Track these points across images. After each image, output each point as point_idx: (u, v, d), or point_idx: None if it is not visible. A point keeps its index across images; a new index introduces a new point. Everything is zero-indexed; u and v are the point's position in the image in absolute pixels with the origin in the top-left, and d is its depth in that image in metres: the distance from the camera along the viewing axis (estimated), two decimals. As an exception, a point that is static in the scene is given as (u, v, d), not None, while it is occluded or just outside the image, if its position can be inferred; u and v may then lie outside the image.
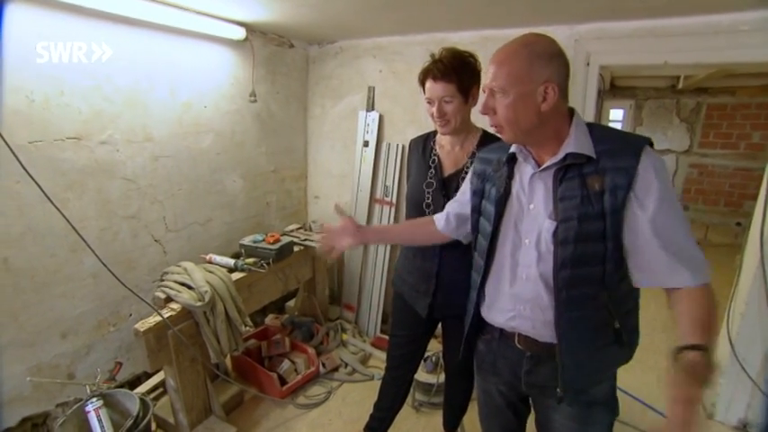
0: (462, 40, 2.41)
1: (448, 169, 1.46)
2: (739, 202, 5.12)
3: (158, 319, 1.73)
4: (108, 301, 2.02)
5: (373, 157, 2.77)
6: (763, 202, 1.97)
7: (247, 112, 2.61)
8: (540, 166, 1.02)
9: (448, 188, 1.44)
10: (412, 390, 2.22)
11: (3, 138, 1.44)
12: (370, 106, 2.78)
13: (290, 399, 2.30)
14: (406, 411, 2.19)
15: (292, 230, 2.72)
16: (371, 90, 2.77)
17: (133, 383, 2.20)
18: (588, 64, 2.21)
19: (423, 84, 1.42)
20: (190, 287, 1.88)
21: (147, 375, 2.24)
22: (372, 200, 2.83)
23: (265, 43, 2.65)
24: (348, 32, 2.67)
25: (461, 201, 1.27)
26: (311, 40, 2.91)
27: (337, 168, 3.01)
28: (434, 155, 1.49)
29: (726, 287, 2.19)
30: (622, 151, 0.94)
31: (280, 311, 3.06)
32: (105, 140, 1.91)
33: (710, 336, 0.87)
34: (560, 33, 2.21)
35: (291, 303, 3.05)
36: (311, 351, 2.43)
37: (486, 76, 1.00)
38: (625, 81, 5.45)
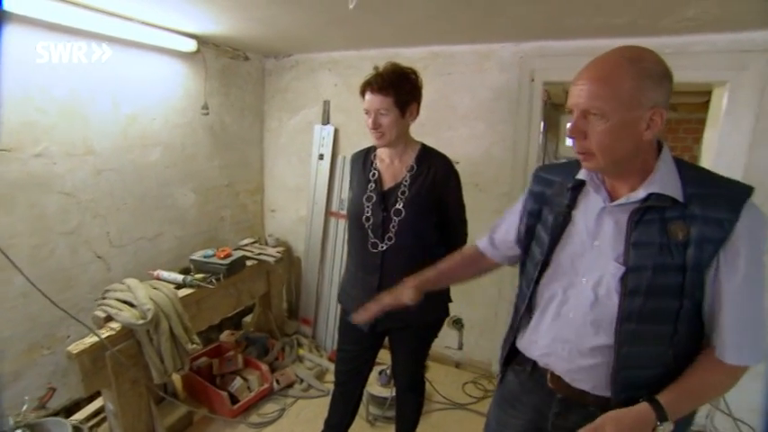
0: (414, 55, 2.46)
1: (387, 183, 1.48)
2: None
3: (95, 339, 1.65)
4: (41, 323, 1.92)
5: (329, 170, 2.78)
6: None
7: (199, 125, 2.57)
8: (612, 199, 0.90)
9: (387, 201, 1.46)
10: (366, 403, 2.21)
11: None
12: (326, 120, 2.79)
13: (242, 418, 2.23)
14: (360, 426, 2.18)
15: (246, 245, 2.67)
16: (327, 104, 2.79)
17: (71, 410, 2.08)
18: (533, 80, 2.31)
19: (363, 95, 1.45)
20: (132, 305, 1.81)
21: (90, 400, 2.12)
22: (328, 213, 2.83)
23: (219, 55, 2.63)
24: (303, 46, 2.68)
25: (507, 225, 1.15)
26: (267, 52, 2.90)
27: (293, 182, 2.99)
28: (374, 169, 1.51)
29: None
30: (719, 199, 0.81)
31: (236, 327, 2.98)
32: (40, 153, 1.83)
33: (682, 411, 0.85)
34: (506, 51, 2.30)
35: (248, 319, 2.98)
36: (264, 368, 2.38)
37: (576, 92, 0.84)
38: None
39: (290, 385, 2.47)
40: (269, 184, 3.11)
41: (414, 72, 1.49)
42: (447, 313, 1.61)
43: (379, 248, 1.46)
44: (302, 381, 2.53)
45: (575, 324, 0.93)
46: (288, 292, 3.03)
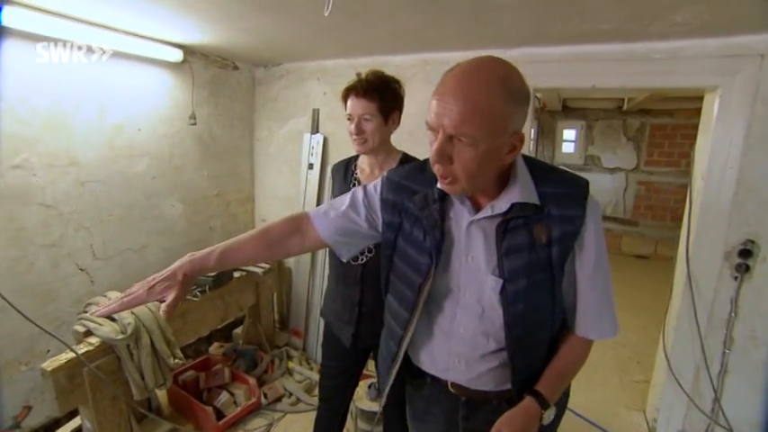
0: (403, 62, 2.44)
1: None
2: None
3: (71, 355, 1.60)
4: (19, 338, 1.87)
5: (318, 179, 2.74)
6: (687, 218, 2.05)
7: (187, 135, 2.54)
8: (476, 209, 0.91)
9: None
10: (354, 418, 2.15)
11: None
12: (315, 128, 2.77)
13: (229, 433, 2.18)
14: (348, 442, 2.12)
15: (235, 255, 2.63)
16: (316, 112, 2.76)
17: (50, 428, 2.03)
18: (523, 87, 2.27)
19: (345, 100, 1.42)
20: (113, 319, 1.77)
21: (70, 416, 2.07)
22: (319, 222, 2.79)
23: (207, 65, 2.61)
24: (292, 55, 2.66)
25: (351, 216, 1.03)
26: (257, 62, 2.89)
27: (284, 191, 2.96)
28: (355, 179, 1.48)
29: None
30: (569, 198, 0.88)
31: (227, 339, 2.93)
32: (19, 164, 1.80)
33: (558, 393, 0.93)
34: (495, 58, 2.27)
35: (239, 331, 2.93)
36: (252, 381, 2.33)
37: (443, 110, 0.78)
38: (576, 102, 5.68)
39: (279, 399, 2.42)
40: (259, 194, 3.08)
41: (396, 81, 1.46)
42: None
43: (359, 261, 1.42)
44: (291, 394, 2.47)
45: (467, 338, 0.96)
46: (279, 304, 2.98)
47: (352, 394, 1.72)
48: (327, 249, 2.55)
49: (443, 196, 0.92)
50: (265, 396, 2.35)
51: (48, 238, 1.93)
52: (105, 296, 1.92)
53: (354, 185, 1.46)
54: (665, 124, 5.34)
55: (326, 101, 2.71)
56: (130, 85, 2.20)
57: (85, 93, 2.00)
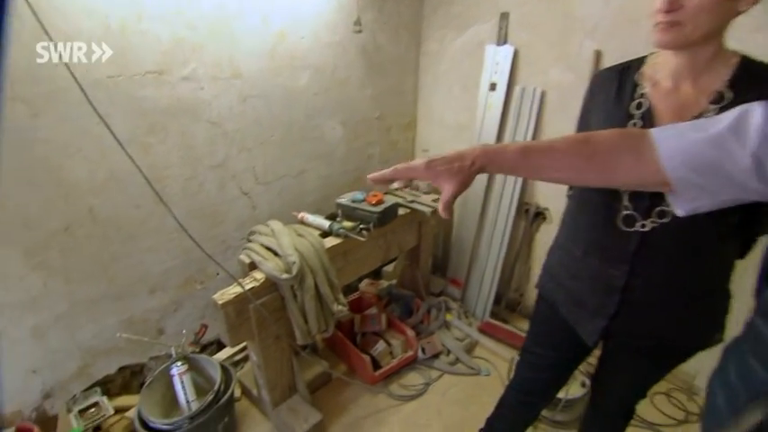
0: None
1: (665, 120, 0.85)
2: None
3: (239, 290, 1.47)
4: (194, 258, 1.85)
5: (502, 104, 2.18)
6: None
7: (351, 45, 2.17)
8: None
9: None
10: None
11: (74, 76, 1.19)
12: (502, 39, 2.15)
13: (382, 385, 2.00)
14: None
15: (397, 189, 2.31)
16: (505, 17, 2.13)
17: (221, 343, 2.08)
18: None
19: None
20: (277, 253, 1.59)
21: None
22: (495, 157, 2.28)
23: (375, -44, 2.14)
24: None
25: (727, 146, 0.58)
26: (431, -49, 2.31)
27: (453, 117, 2.47)
28: (641, 96, 0.88)
29: None
30: None
31: (375, 276, 2.74)
32: (188, 76, 1.63)
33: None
34: None
35: (390, 268, 2.71)
36: (410, 333, 2.08)
37: None
38: None
39: (436, 355, 2.15)
40: (423, 119, 2.65)
41: None
42: (722, 334, 0.99)
43: (637, 227, 0.88)
44: (449, 352, 2.19)
45: None
46: (434, 246, 2.65)
47: (555, 395, 1.30)
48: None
49: None
50: (423, 351, 2.10)
51: (214, 159, 1.81)
52: (267, 225, 1.76)
53: (638, 106, 0.87)
54: None
55: (521, 1, 2.05)
56: (295, -17, 1.86)
57: (250, -7, 1.72)
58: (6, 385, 1.54)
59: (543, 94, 2.07)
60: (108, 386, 1.82)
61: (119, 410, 1.78)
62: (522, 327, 2.34)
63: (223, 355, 1.99)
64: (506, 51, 2.14)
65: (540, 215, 2.27)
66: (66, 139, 1.44)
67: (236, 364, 2.03)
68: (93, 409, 1.71)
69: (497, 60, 2.18)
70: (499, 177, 2.28)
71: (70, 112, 1.42)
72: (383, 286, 2.55)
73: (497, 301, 2.44)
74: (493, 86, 2.21)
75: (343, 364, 2.11)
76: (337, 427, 1.82)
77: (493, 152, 0.71)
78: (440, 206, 0.74)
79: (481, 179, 2.31)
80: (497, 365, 2.13)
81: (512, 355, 2.13)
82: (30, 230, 1.45)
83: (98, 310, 1.68)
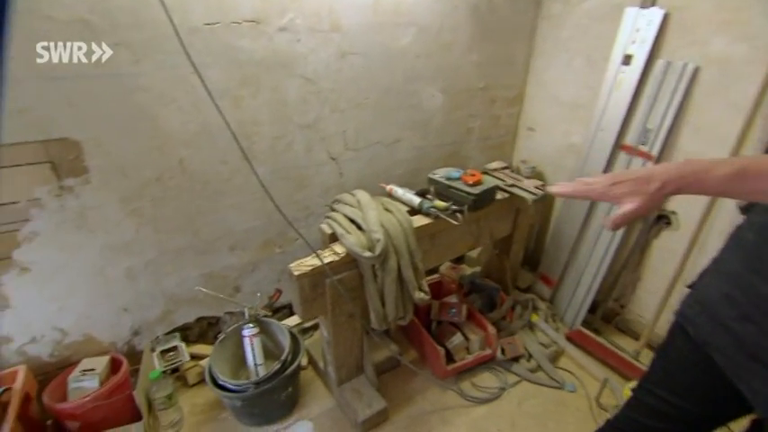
0: None
1: None
2: None
3: (317, 261, 1.37)
4: (276, 221, 1.80)
5: (636, 82, 1.81)
6: None
7: (461, 2, 1.91)
8: None
9: None
10: None
11: (171, 21, 1.12)
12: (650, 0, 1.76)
13: (453, 381, 1.85)
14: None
15: (495, 169, 2.06)
16: (659, -31, 1.73)
17: (293, 309, 2.05)
18: None
19: None
20: (360, 227, 1.47)
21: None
22: (618, 146, 1.92)
23: None
24: None
25: None
26: None
27: (570, 93, 2.13)
28: None
29: None
30: None
31: (457, 260, 2.55)
32: (285, 26, 1.51)
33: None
34: None
35: (473, 254, 2.50)
36: (491, 330, 1.88)
37: None
38: None
39: (516, 359, 1.94)
40: (533, 94, 2.32)
41: None
42: None
43: None
44: (530, 357, 1.96)
45: None
46: (528, 237, 2.38)
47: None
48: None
49: None
50: (503, 351, 1.90)
51: (305, 118, 1.70)
52: (353, 194, 1.64)
53: None
54: None
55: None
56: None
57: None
58: (103, 319, 1.63)
59: (696, 71, 1.67)
60: (186, 333, 1.88)
61: (194, 357, 1.83)
62: (617, 341, 2.03)
63: (293, 321, 1.96)
64: (653, 15, 1.74)
65: (662, 219, 1.90)
66: (163, 88, 1.40)
67: (305, 330, 2.00)
68: (172, 353, 1.77)
69: (638, 27, 1.79)
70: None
71: (168, 60, 1.38)
72: (465, 273, 2.36)
73: (592, 309, 2.14)
74: (627, 59, 1.84)
75: (413, 350, 1.99)
76: (400, 417, 1.72)
77: (692, 175, 0.62)
78: (610, 219, 0.67)
79: (598, 167, 1.98)
80: (584, 382, 1.87)
81: (604, 373, 1.85)
82: (126, 178, 1.46)
83: (182, 261, 1.70)
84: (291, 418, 1.70)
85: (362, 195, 1.59)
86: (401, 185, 1.75)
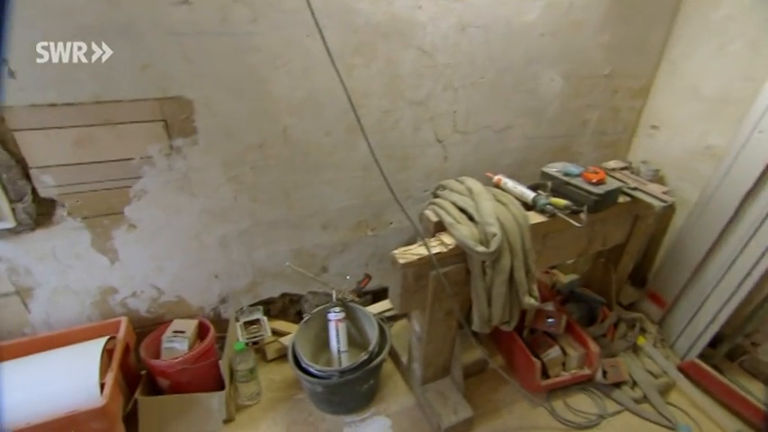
0: None
1: None
2: None
3: (423, 252, 1.25)
4: (372, 202, 1.71)
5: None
6: None
7: (601, -26, 1.68)
8: None
9: None
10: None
11: None
12: None
13: (545, 397, 1.67)
14: None
15: (614, 169, 1.82)
16: None
17: (377, 294, 1.96)
18: None
19: None
20: (473, 218, 1.32)
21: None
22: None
23: None
24: None
25: None
26: None
27: (716, 86, 1.81)
28: None
29: None
30: None
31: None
32: (414, -10, 1.38)
33: None
34: None
35: (572, 260, 2.26)
36: (594, 348, 1.67)
37: None
38: None
39: (618, 384, 1.72)
40: (664, 85, 2.02)
41: None
42: None
43: None
44: (635, 384, 1.73)
45: None
46: (639, 251, 2.11)
47: None
48: None
49: None
50: (604, 374, 1.69)
51: (416, 94, 1.57)
52: (461, 181, 1.49)
53: None
54: None
55: None
56: None
57: None
58: (194, 283, 1.64)
59: None
60: (269, 307, 1.85)
61: (275, 333, 1.80)
62: (744, 384, 1.74)
63: (377, 308, 1.86)
64: None
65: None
66: (276, 50, 1.33)
67: (388, 318, 1.90)
68: (255, 326, 1.75)
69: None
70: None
71: (287, 19, 1.30)
72: (559, 279, 2.14)
73: (714, 342, 1.84)
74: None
75: (500, 355, 1.83)
76: (484, 429, 1.57)
77: None
78: None
79: (730, 191, 1.68)
80: (703, 427, 1.61)
81: (731, 421, 1.58)
82: (230, 141, 1.42)
83: (274, 234, 1.66)
84: (368, 411, 1.62)
85: (473, 183, 1.44)
86: (510, 177, 1.57)
